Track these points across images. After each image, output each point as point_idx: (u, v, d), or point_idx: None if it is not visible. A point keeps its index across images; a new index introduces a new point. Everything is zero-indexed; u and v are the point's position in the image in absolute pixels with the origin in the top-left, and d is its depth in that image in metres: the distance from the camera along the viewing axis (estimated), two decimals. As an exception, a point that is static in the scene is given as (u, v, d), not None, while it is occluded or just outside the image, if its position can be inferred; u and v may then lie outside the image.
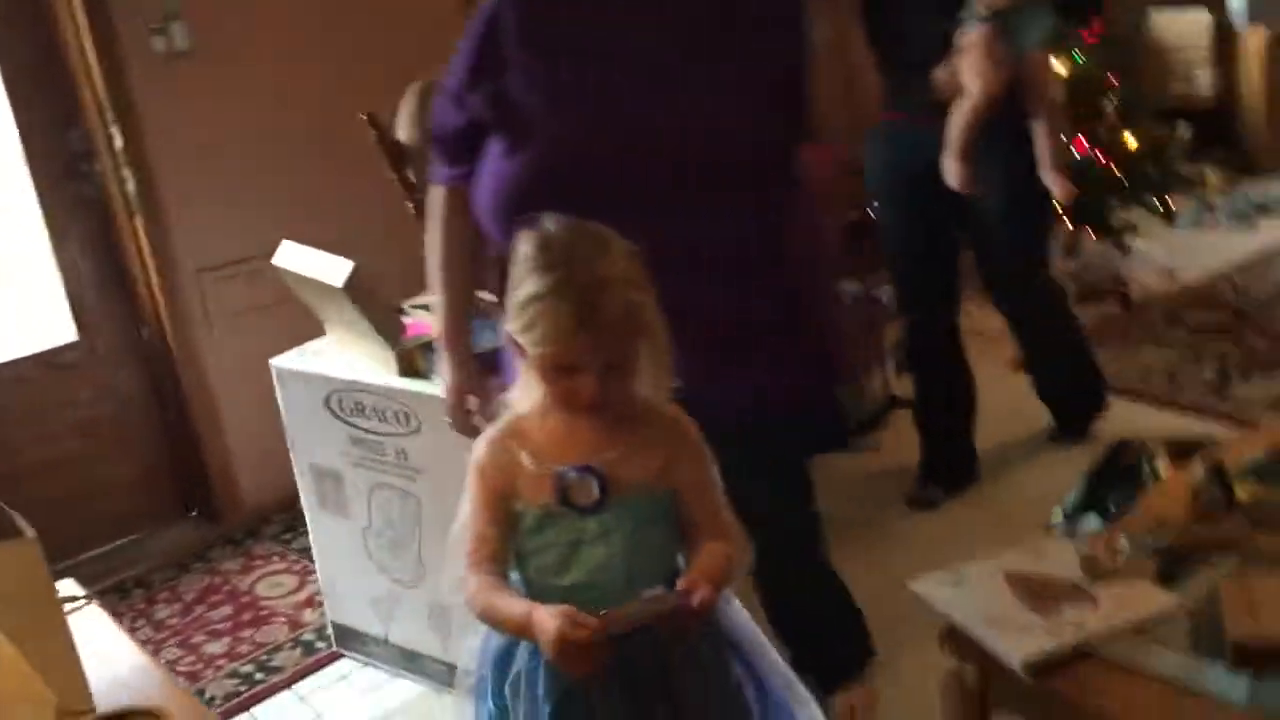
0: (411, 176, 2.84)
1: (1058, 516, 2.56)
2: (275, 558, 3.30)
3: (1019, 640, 1.67)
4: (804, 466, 2.13)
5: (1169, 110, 5.13)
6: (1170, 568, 1.80)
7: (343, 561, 2.68)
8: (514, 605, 1.38)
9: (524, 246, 1.41)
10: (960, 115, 2.68)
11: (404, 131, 2.85)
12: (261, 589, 3.16)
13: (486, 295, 2.10)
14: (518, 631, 1.39)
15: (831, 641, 2.26)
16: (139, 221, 3.20)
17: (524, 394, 1.48)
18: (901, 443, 3.29)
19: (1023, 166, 2.78)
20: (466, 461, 1.50)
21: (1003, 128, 2.70)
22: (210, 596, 3.15)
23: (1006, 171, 2.80)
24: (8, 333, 3.19)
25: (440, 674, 2.56)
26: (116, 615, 2.45)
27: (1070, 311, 3.27)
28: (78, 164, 3.18)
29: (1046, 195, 2.85)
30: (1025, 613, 1.72)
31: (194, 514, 3.51)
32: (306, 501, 2.69)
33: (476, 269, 1.96)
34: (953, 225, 2.98)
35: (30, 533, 1.25)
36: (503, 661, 1.50)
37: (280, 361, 2.62)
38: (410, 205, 2.80)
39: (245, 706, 2.67)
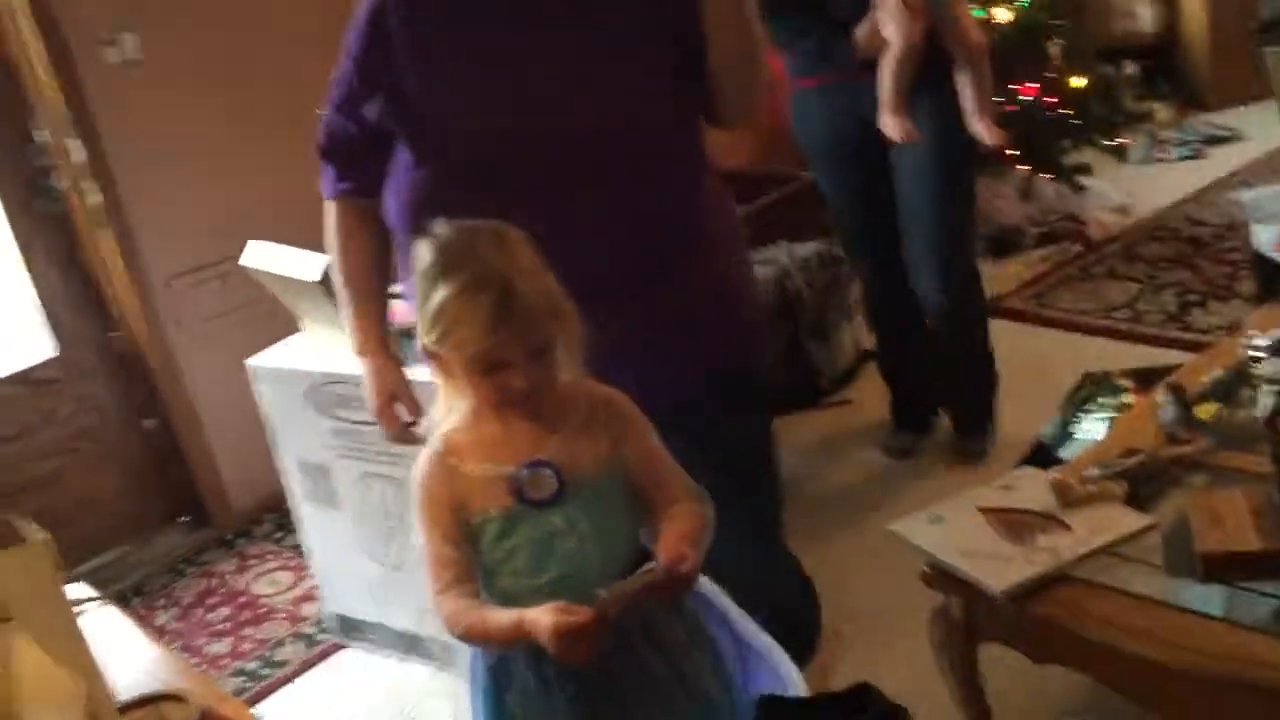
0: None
1: (1031, 451, 2.63)
2: (269, 555, 3.33)
3: (998, 570, 1.73)
4: (746, 447, 1.96)
5: (1114, 49, 5.21)
6: (1140, 490, 1.87)
7: (337, 553, 2.72)
8: (500, 616, 1.37)
9: (423, 254, 1.41)
10: (885, 68, 2.65)
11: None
12: (258, 587, 3.19)
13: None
14: (510, 639, 1.37)
15: (787, 625, 2.16)
16: (105, 233, 3.21)
17: (447, 408, 1.48)
18: (875, 396, 3.35)
19: (951, 118, 2.71)
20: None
21: (927, 79, 2.66)
22: (208, 599, 3.18)
23: (934, 123, 2.72)
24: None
25: (442, 653, 2.60)
26: (118, 622, 2.48)
27: (985, 311, 3.10)
28: (39, 179, 3.18)
29: (972, 150, 2.79)
30: (1002, 543, 1.79)
31: (184, 519, 3.54)
32: (296, 497, 2.73)
33: (388, 273, 1.91)
34: (891, 179, 2.93)
35: (41, 535, 1.28)
36: (499, 679, 1.48)
37: (257, 361, 2.65)
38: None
39: (253, 703, 2.70)
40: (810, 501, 3.08)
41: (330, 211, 1.88)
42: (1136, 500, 1.85)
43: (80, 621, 1.35)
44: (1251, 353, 2.10)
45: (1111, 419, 2.59)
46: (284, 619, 3.03)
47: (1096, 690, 1.91)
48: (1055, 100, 4.21)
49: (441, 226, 1.42)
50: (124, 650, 1.48)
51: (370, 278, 1.88)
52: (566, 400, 1.45)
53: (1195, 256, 4.07)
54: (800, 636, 2.07)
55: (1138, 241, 4.28)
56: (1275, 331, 2.10)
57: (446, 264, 1.38)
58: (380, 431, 1.92)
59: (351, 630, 2.81)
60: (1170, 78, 5.56)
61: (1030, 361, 3.39)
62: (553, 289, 1.40)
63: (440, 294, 1.36)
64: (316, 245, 2.40)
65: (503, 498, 1.41)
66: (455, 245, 1.39)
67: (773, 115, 2.69)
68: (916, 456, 3.15)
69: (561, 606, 1.30)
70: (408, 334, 1.72)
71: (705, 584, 1.52)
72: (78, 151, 3.13)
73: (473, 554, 1.42)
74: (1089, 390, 2.84)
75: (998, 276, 4.07)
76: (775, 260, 3.54)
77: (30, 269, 3.21)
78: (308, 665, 2.82)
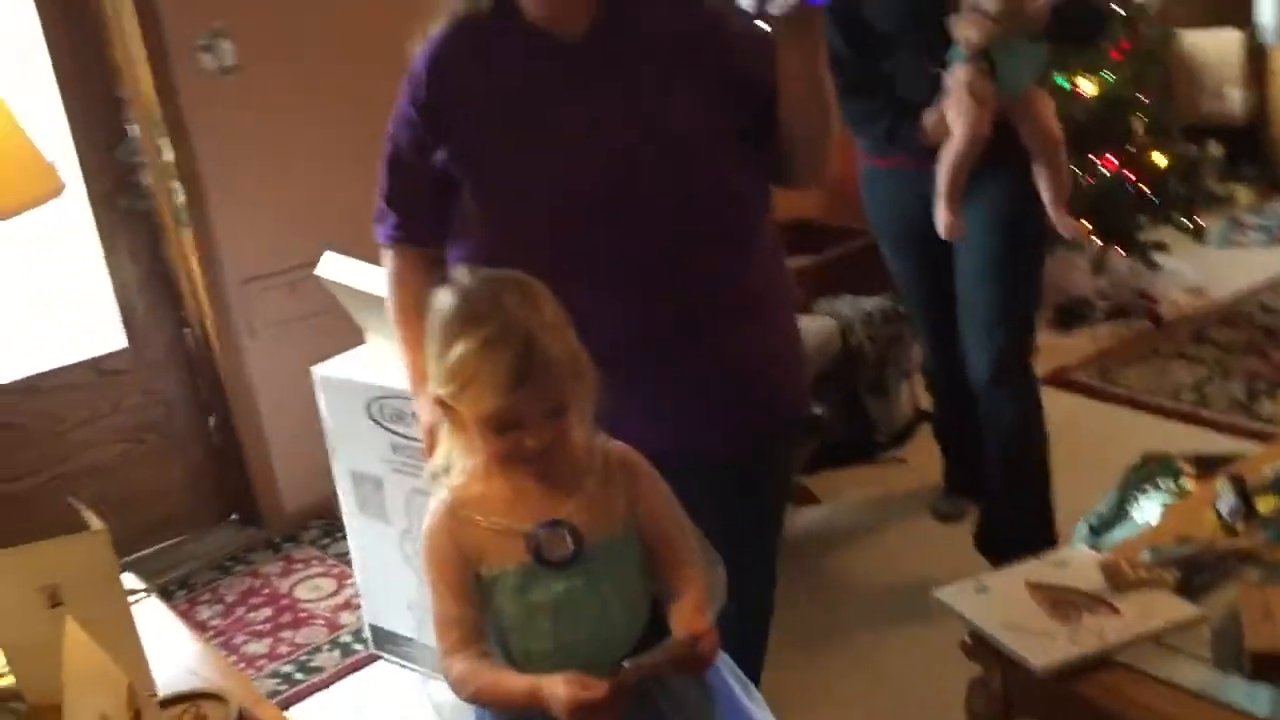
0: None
1: (1083, 528, 2.60)
2: (314, 561, 3.37)
3: (1041, 646, 1.71)
4: (749, 527, 1.91)
5: (1200, 128, 5.16)
6: (1192, 579, 1.83)
7: (381, 565, 2.75)
8: (514, 681, 1.34)
9: (444, 302, 1.37)
10: (944, 159, 2.53)
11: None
12: (301, 592, 3.23)
13: None
14: (523, 706, 1.33)
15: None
16: (187, 233, 3.29)
17: (455, 461, 1.43)
18: (929, 456, 3.33)
19: (1018, 207, 2.60)
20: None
21: (996, 163, 2.54)
22: (251, 599, 3.23)
23: (998, 211, 2.61)
24: (61, 340, 3.29)
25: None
26: (163, 614, 2.52)
27: (1042, 419, 2.83)
28: (128, 177, 3.27)
29: (1040, 243, 2.71)
30: (1047, 620, 1.77)
31: (235, 518, 3.60)
32: (346, 506, 2.76)
33: None
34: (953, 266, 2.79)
35: (98, 524, 1.32)
36: None
37: (322, 369, 2.69)
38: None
39: (286, 705, 2.73)
40: (854, 558, 3.06)
41: (387, 258, 1.86)
42: (1188, 589, 1.81)
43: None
44: (1318, 449, 2.06)
45: (1168, 503, 2.55)
46: (323, 626, 3.06)
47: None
48: (1135, 175, 4.17)
49: (464, 274, 1.39)
50: (166, 643, 1.51)
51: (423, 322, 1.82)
52: (581, 458, 1.41)
53: (1267, 344, 3.99)
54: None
55: (1209, 324, 4.22)
56: (1344, 429, 2.06)
57: (469, 315, 1.34)
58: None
59: (387, 643, 2.83)
60: (1255, 161, 5.49)
61: (1089, 436, 3.34)
62: (575, 347, 1.36)
63: (460, 347, 1.32)
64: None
65: (519, 555, 1.37)
66: (478, 295, 1.35)
67: (844, 166, 2.67)
68: (965, 523, 3.12)
69: (579, 679, 1.27)
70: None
71: None
72: (167, 151, 3.22)
73: (481, 612, 1.39)
74: (1148, 471, 2.78)
75: (1063, 347, 4.04)
76: (839, 313, 3.54)
77: (110, 261, 3.30)
78: (342, 674, 2.84)
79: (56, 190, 1.58)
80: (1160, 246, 4.40)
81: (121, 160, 3.26)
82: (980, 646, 1.81)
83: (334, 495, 2.79)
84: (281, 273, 3.38)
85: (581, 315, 1.40)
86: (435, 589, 1.39)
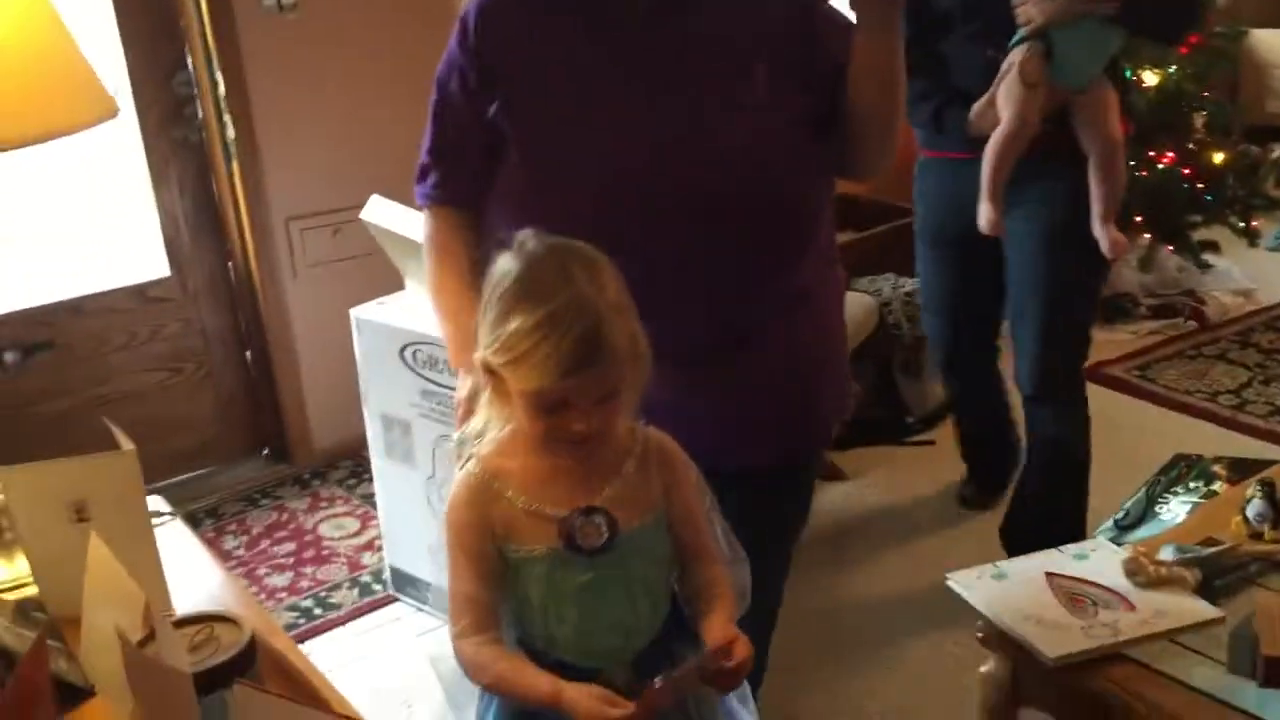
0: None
1: (1109, 525, 2.58)
2: (340, 501, 3.41)
3: (1054, 637, 1.70)
4: (782, 524, 1.88)
5: (1264, 128, 5.06)
6: (1213, 581, 1.82)
7: (404, 509, 2.77)
8: (536, 679, 1.28)
9: (506, 268, 1.28)
10: (990, 147, 2.36)
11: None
12: (325, 529, 3.27)
13: None
14: (540, 705, 1.28)
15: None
16: (235, 167, 3.31)
17: (490, 427, 1.36)
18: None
19: (1076, 209, 2.40)
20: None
21: (1054, 161, 2.38)
22: (276, 532, 3.27)
23: (1052, 213, 2.45)
24: (105, 264, 3.33)
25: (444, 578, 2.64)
26: (189, 540, 2.57)
27: (1087, 431, 2.70)
28: (182, 108, 3.30)
29: (1095, 252, 2.43)
30: (1062, 611, 1.76)
31: (265, 452, 3.64)
32: (374, 448, 2.79)
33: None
34: (993, 274, 2.64)
35: (129, 445, 1.34)
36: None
37: (360, 312, 2.71)
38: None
39: (302, 639, 2.78)
40: (875, 538, 3.06)
41: (426, 220, 1.74)
42: (1209, 591, 1.80)
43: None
44: (1354, 461, 2.03)
45: (1197, 504, 2.53)
46: (344, 564, 3.10)
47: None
48: (1192, 173, 4.10)
49: (530, 238, 1.30)
50: (188, 568, 1.53)
51: (464, 293, 1.62)
52: (620, 442, 1.36)
53: (1313, 353, 3.94)
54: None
55: (1255, 328, 4.16)
56: (1382, 443, 2.03)
57: (533, 286, 1.25)
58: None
59: (406, 585, 2.87)
60: (1318, 166, 5.38)
61: (1124, 433, 3.31)
62: (636, 328, 1.29)
63: (521, 319, 1.23)
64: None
65: (549, 538, 1.31)
66: (544, 264, 1.27)
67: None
68: (989, 512, 3.09)
69: (606, 695, 1.23)
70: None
71: None
72: (222, 85, 3.23)
73: (500, 593, 1.33)
74: (1180, 471, 2.76)
75: (1104, 342, 3.99)
76: (879, 291, 3.52)
77: (159, 191, 3.33)
78: (359, 612, 2.88)
79: (111, 112, 1.59)
80: (1211, 246, 4.33)
81: (177, 91, 3.28)
82: (992, 634, 1.80)
83: (364, 437, 2.82)
84: (327, 213, 3.41)
85: None
86: (455, 562, 1.33)
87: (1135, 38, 2.48)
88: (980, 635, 1.83)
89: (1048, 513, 2.70)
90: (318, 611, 2.90)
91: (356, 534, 3.23)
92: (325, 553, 3.16)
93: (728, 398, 1.69)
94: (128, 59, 3.19)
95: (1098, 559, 1.90)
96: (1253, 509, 1.93)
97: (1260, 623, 1.66)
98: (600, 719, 1.21)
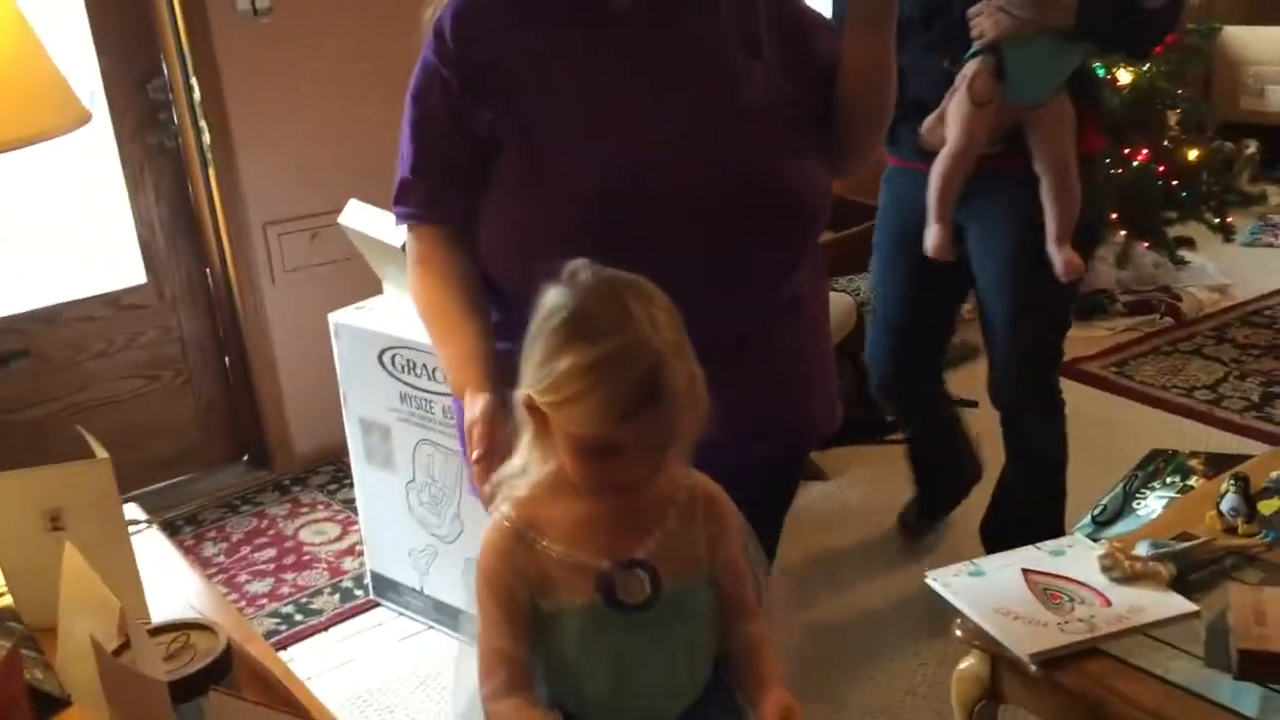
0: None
1: (1087, 520, 2.60)
2: (320, 506, 3.40)
3: (1030, 634, 1.71)
4: (771, 520, 1.85)
5: (1238, 125, 5.10)
6: (1188, 575, 1.84)
7: (385, 513, 2.77)
8: None
9: (558, 301, 1.19)
10: (937, 168, 2.27)
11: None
12: (305, 535, 3.26)
13: None
14: None
15: None
16: (212, 173, 3.30)
17: (530, 468, 1.26)
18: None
19: (1030, 236, 2.30)
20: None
21: (1018, 175, 2.28)
22: (256, 539, 3.26)
23: (1019, 227, 2.34)
24: (80, 272, 3.32)
25: (472, 628, 2.64)
26: (168, 548, 2.56)
27: (1064, 435, 2.64)
28: (157, 114, 3.28)
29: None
30: (1039, 608, 1.77)
31: (245, 459, 3.63)
32: (354, 453, 2.79)
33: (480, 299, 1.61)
34: (947, 294, 2.60)
35: (103, 453, 1.34)
36: None
37: (338, 316, 2.71)
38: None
39: (283, 645, 2.77)
40: (854, 537, 3.07)
41: (411, 240, 1.62)
42: (1184, 585, 1.81)
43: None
44: (1326, 454, 2.05)
45: (1174, 499, 2.55)
46: (325, 570, 3.09)
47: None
48: (1166, 169, 4.13)
49: (583, 269, 1.20)
50: (166, 576, 1.53)
51: (461, 312, 1.55)
52: (665, 488, 1.27)
53: (1288, 348, 3.98)
54: None
55: (1231, 324, 4.19)
56: (1354, 436, 2.05)
57: (587, 322, 1.16)
58: (446, 411, 1.80)
59: (388, 590, 2.86)
60: (1291, 162, 5.44)
61: (1101, 429, 3.34)
62: (695, 372, 1.19)
63: (573, 357, 1.14)
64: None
65: (587, 592, 1.22)
66: (600, 299, 1.17)
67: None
68: (930, 543, 2.99)
69: None
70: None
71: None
72: (197, 90, 3.22)
73: (533, 649, 1.25)
74: (1156, 466, 2.78)
75: (1081, 338, 4.02)
76: (858, 290, 3.53)
77: (134, 197, 3.32)
78: (340, 618, 2.88)
79: (83, 119, 1.58)
80: (1187, 242, 4.37)
81: (152, 97, 3.27)
82: (970, 631, 1.81)
83: (343, 442, 2.81)
84: (304, 218, 3.40)
85: None
86: (486, 616, 1.24)
87: (1103, 52, 2.40)
88: (959, 632, 1.84)
89: (1026, 512, 2.69)
90: (299, 618, 2.90)
91: (337, 539, 3.23)
92: (306, 558, 3.15)
93: (720, 398, 1.66)
94: (101, 65, 3.18)
95: (1074, 555, 1.91)
96: (1227, 503, 1.95)
97: (1235, 616, 1.67)
98: None
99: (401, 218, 1.61)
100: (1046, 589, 1.81)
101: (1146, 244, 4.32)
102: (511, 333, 1.49)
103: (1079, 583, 1.82)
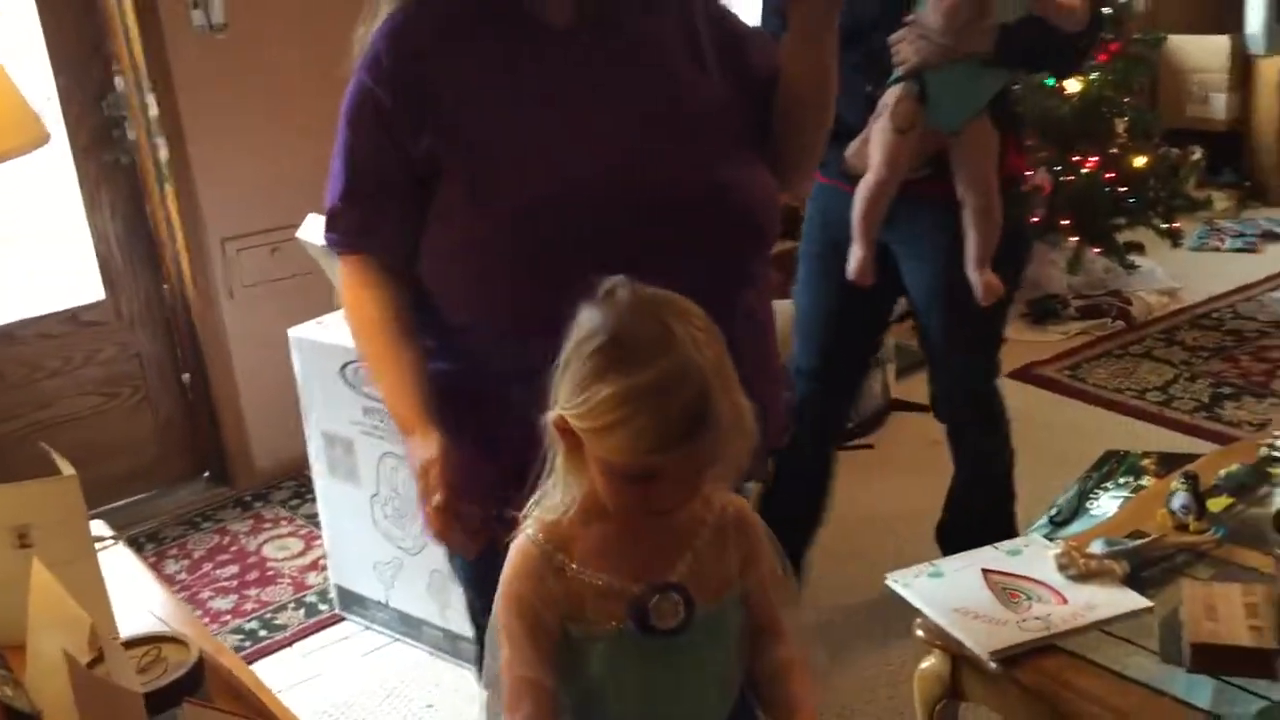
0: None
1: (1043, 520, 2.65)
2: (283, 521, 3.39)
3: (989, 633, 1.74)
4: None
5: (1183, 132, 5.21)
6: (1141, 573, 1.88)
7: (349, 527, 2.77)
8: None
9: (596, 322, 1.13)
10: (860, 194, 2.26)
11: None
12: (268, 550, 3.25)
13: None
14: None
15: None
16: (169, 189, 3.29)
17: (562, 491, 1.21)
18: (898, 441, 3.37)
19: (958, 261, 2.28)
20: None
21: (933, 211, 2.27)
22: (218, 555, 3.24)
23: (941, 263, 2.33)
24: (38, 289, 3.29)
25: (438, 640, 2.65)
26: (130, 565, 2.54)
27: (1008, 441, 2.64)
28: (112, 130, 3.27)
29: (1010, 259, 2.34)
30: (997, 607, 1.81)
31: (206, 475, 3.61)
32: (316, 468, 2.78)
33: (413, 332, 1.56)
34: (870, 322, 2.57)
35: (69, 470, 1.34)
36: None
37: (298, 331, 2.71)
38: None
39: (249, 661, 2.75)
40: (815, 542, 3.09)
41: (344, 267, 1.57)
42: (1137, 582, 1.85)
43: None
44: (1273, 452, 2.11)
45: (1127, 498, 2.60)
46: (289, 585, 3.08)
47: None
48: (1115, 176, 4.22)
49: (620, 286, 1.15)
50: (132, 591, 1.53)
51: (398, 334, 1.52)
52: (698, 510, 1.24)
53: (1235, 349, 4.06)
54: None
55: (1180, 327, 4.28)
56: (1300, 433, 2.10)
57: (629, 345, 1.10)
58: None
59: (353, 604, 2.86)
60: (1236, 168, 5.55)
61: (1055, 431, 3.39)
62: (741, 401, 1.15)
63: (614, 384, 1.09)
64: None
65: (617, 616, 1.19)
66: (641, 321, 1.12)
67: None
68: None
69: None
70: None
71: None
72: (153, 106, 3.21)
73: (559, 675, 1.21)
74: (1110, 467, 2.84)
75: (1034, 343, 4.09)
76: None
77: (91, 214, 3.30)
78: (305, 633, 2.87)
79: (41, 139, 1.58)
80: (1136, 248, 4.46)
81: (107, 113, 3.25)
82: (931, 631, 1.84)
83: (305, 456, 2.81)
84: (262, 233, 3.39)
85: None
86: (511, 640, 1.20)
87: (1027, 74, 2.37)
88: (920, 632, 1.87)
89: (978, 517, 2.71)
90: (263, 633, 2.89)
91: (301, 554, 3.22)
92: (269, 574, 3.14)
93: None
94: (57, 82, 3.16)
95: (1030, 554, 1.94)
96: (1176, 501, 1.99)
97: (1188, 611, 1.71)
98: None
99: (332, 244, 1.57)
100: (1005, 588, 1.84)
101: (1097, 249, 4.40)
102: (450, 355, 1.52)
103: (1036, 581, 1.85)
